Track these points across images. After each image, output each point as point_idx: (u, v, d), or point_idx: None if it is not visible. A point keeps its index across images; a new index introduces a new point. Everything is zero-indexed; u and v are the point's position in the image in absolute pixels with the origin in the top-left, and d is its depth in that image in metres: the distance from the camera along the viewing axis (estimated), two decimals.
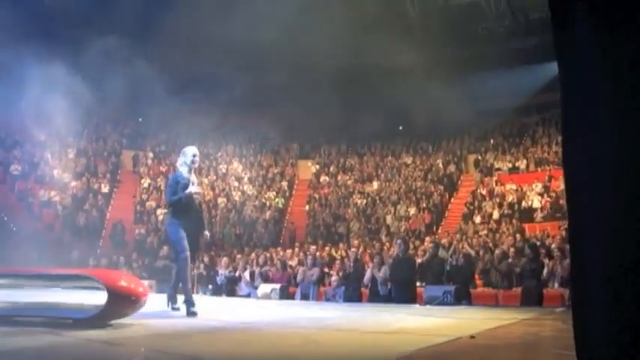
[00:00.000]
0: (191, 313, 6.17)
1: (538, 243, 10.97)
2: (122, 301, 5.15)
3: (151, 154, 24.56)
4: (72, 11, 22.09)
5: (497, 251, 10.25)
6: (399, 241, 10.01)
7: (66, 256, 15.47)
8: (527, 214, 19.26)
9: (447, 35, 24.21)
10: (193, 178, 6.85)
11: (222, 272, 12.49)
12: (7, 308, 5.60)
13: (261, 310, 7.38)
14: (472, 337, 4.65)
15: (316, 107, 26.27)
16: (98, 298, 5.16)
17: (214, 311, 7.21)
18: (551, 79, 21.52)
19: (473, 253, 11.14)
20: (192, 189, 6.64)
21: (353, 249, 12.17)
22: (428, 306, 7.97)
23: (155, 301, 10.21)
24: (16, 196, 19.64)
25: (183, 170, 6.77)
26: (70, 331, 4.79)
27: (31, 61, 18.94)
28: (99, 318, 5.04)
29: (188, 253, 6.36)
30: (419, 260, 10.23)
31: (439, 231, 20.79)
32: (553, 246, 11.10)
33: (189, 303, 6.26)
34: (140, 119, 27.54)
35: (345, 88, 24.94)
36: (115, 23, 21.02)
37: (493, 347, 4.33)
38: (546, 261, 9.99)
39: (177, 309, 6.58)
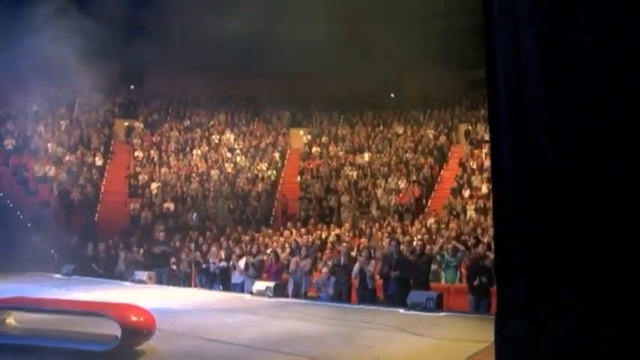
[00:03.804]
0: None
1: None
2: (134, 336, 5.76)
3: (141, 125, 24.65)
4: None
5: (480, 248, 10.69)
6: (393, 242, 10.52)
7: (66, 237, 15.91)
8: None
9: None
10: None
11: (215, 262, 12.90)
12: (26, 336, 6.05)
13: (253, 325, 7.83)
14: None
15: (308, 74, 26.37)
16: (113, 326, 5.68)
17: (210, 324, 7.69)
18: None
19: (461, 247, 11.61)
20: None
21: (344, 244, 12.56)
22: (411, 311, 8.47)
23: (156, 295, 10.70)
24: (11, 171, 19.81)
25: None
26: None
27: (18, 29, 18.91)
28: (115, 351, 5.56)
29: None
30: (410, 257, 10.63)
31: (429, 204, 21.32)
32: None
33: None
34: (132, 87, 27.54)
35: (337, 54, 24.71)
36: None
37: None
38: None
39: None
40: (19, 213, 17.67)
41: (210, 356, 5.96)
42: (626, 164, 2.00)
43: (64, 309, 6.43)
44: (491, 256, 9.89)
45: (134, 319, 5.76)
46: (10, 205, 18.16)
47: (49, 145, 21.35)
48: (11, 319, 6.36)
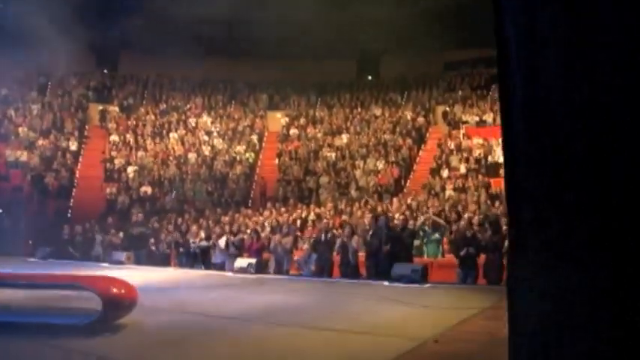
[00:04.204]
0: None
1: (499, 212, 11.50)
2: (116, 308, 5.53)
3: (116, 109, 24.22)
4: None
5: (461, 222, 10.70)
6: (382, 217, 10.53)
7: (41, 222, 15.57)
8: (494, 169, 19.79)
9: None
10: None
11: (196, 242, 12.73)
12: (1, 313, 5.82)
13: (236, 299, 7.72)
14: (435, 341, 5.06)
15: (285, 56, 26.19)
16: (91, 299, 5.47)
17: (193, 299, 7.56)
18: None
19: (442, 222, 11.63)
20: None
21: (325, 220, 12.49)
22: (396, 284, 8.44)
23: (136, 275, 10.51)
24: None
25: None
26: (66, 338, 5.06)
27: None
28: (94, 324, 5.33)
29: None
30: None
31: (407, 185, 21.35)
32: None
33: None
34: (105, 71, 27.05)
35: (314, 36, 24.48)
36: None
37: (456, 355, 4.75)
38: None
39: None
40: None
41: (195, 328, 5.84)
42: (630, 165, 1.99)
43: (41, 283, 6.20)
44: (475, 229, 9.94)
45: (115, 290, 5.57)
46: None
47: (21, 129, 20.85)
48: None
